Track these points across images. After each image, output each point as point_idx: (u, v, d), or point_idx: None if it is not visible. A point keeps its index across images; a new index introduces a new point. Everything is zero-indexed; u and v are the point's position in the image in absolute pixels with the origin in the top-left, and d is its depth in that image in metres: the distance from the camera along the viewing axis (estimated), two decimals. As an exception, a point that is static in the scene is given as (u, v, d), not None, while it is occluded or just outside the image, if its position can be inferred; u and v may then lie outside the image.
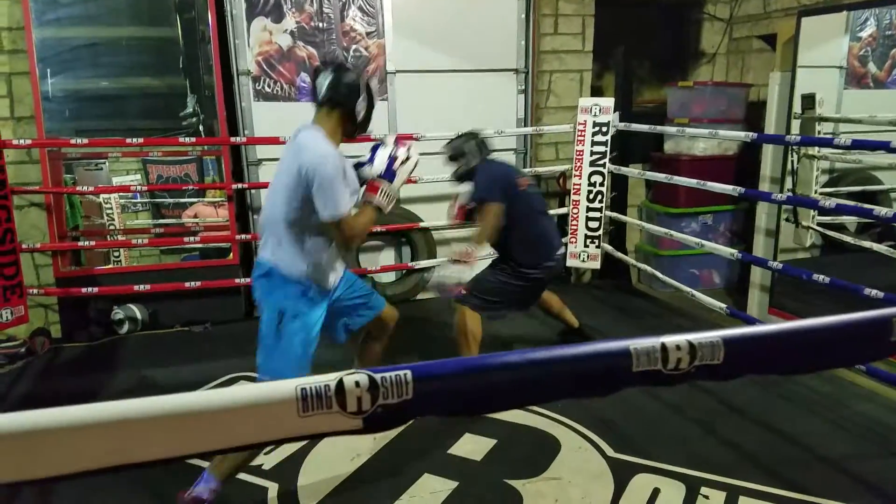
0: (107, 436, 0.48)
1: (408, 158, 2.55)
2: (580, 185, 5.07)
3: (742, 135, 4.11)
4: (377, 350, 2.94)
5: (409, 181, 2.77)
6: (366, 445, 2.94)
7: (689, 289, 4.30)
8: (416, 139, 4.53)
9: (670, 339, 0.62)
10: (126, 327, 4.40)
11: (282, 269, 2.43)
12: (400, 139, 2.64)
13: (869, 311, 0.69)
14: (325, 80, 2.45)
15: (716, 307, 4.00)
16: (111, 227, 4.90)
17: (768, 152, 5.03)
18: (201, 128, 4.77)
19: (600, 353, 0.60)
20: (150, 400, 0.51)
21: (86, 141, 4.22)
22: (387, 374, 0.54)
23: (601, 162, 5.00)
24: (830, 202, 3.53)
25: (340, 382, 0.53)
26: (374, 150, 2.58)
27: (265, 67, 4.72)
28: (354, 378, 0.54)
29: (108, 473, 0.52)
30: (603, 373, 0.61)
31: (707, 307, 4.14)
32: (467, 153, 3.52)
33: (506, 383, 0.57)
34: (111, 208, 4.88)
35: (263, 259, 2.49)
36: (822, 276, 3.43)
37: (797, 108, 4.67)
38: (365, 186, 2.54)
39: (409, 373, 0.54)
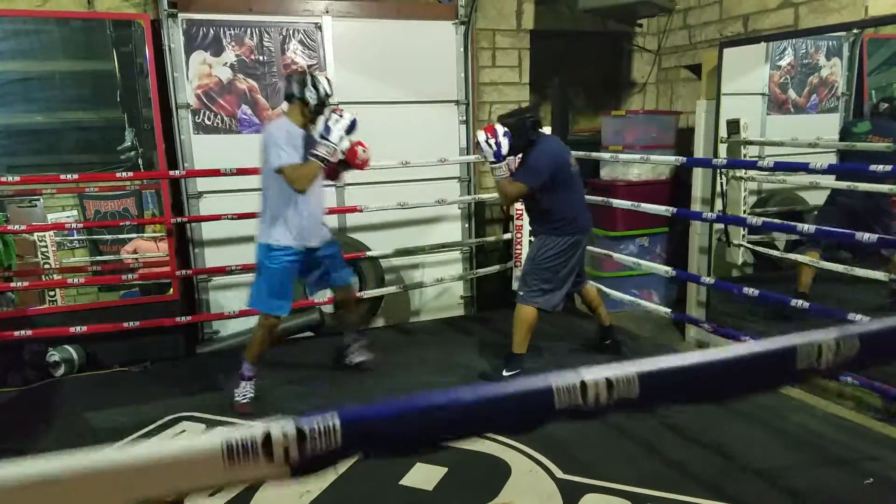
0: (23, 499, 0.49)
1: (341, 118, 3.42)
2: (522, 210, 5.16)
3: (672, 159, 4.27)
4: (350, 318, 4.13)
5: (359, 165, 3.80)
6: (315, 482, 2.90)
7: (631, 298, 4.43)
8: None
9: (589, 376, 0.65)
10: (62, 369, 4.25)
11: (261, 241, 3.58)
12: (337, 109, 3.48)
13: (775, 339, 0.74)
14: (286, 84, 3.56)
15: (661, 312, 4.14)
16: (46, 266, 4.74)
17: (698, 175, 5.22)
18: (140, 161, 4.69)
19: (526, 393, 0.63)
20: (68, 458, 0.51)
21: (17, 178, 4.10)
22: (314, 424, 0.56)
23: (541, 188, 5.10)
24: (757, 220, 3.69)
25: (268, 435, 0.55)
26: (327, 120, 3.44)
27: (205, 100, 4.68)
28: (282, 429, 0.55)
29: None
30: (528, 410, 0.64)
31: (648, 321, 4.27)
32: (522, 130, 3.81)
33: (434, 423, 0.59)
34: (46, 246, 4.73)
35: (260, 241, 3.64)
36: (752, 290, 3.57)
37: (724, 132, 4.88)
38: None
39: (336, 420, 0.56)
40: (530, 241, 4.12)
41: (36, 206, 4.71)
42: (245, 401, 3.66)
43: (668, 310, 4.11)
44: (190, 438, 0.53)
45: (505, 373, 3.99)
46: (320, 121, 3.47)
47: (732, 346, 0.72)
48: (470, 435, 0.63)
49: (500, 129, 3.67)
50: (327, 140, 3.39)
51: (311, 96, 3.46)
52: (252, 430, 0.55)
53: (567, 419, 0.65)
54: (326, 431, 0.56)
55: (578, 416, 0.65)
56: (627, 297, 4.47)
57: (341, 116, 3.42)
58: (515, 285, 5.27)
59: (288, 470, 0.55)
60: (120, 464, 0.50)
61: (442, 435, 0.60)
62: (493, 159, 3.66)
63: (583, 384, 0.64)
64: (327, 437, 0.55)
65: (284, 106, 3.60)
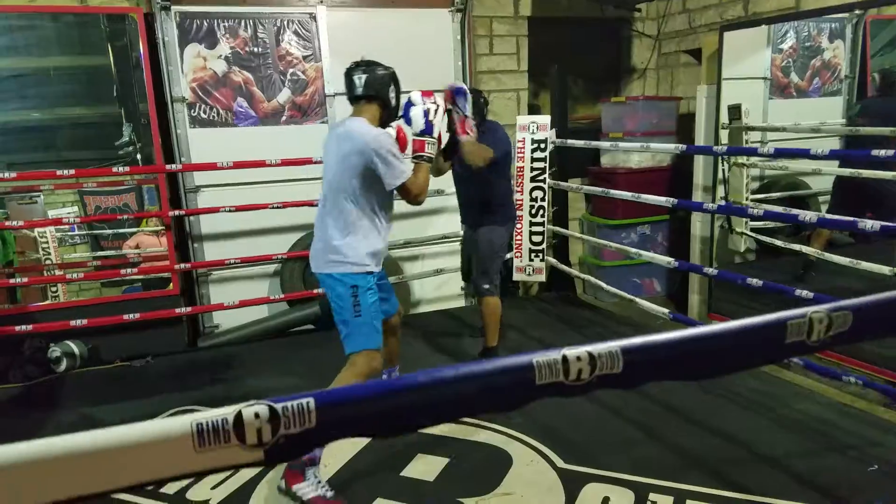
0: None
1: (438, 107, 2.82)
2: (522, 200, 5.14)
3: (672, 147, 4.24)
4: (394, 341, 3.29)
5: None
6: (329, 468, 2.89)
7: (631, 296, 4.38)
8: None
9: (571, 351, 0.64)
10: (64, 365, 4.24)
11: (334, 273, 2.79)
12: (424, 93, 2.83)
13: (763, 316, 0.72)
14: (361, 77, 2.79)
15: (659, 313, 4.09)
16: (48, 262, 4.74)
17: (699, 162, 5.20)
18: (139, 156, 4.68)
19: (505, 369, 0.62)
20: (36, 443, 0.50)
21: (13, 175, 4.09)
22: (288, 404, 0.54)
23: (541, 177, 5.09)
24: (759, 210, 3.66)
25: (239, 415, 0.53)
26: (407, 110, 2.82)
27: (200, 93, 4.67)
28: (254, 409, 0.54)
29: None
30: (508, 387, 0.63)
31: (651, 314, 4.22)
32: (479, 110, 3.67)
33: (412, 405, 0.58)
34: (47, 242, 4.73)
35: (322, 275, 2.86)
36: (755, 280, 3.54)
37: (725, 118, 4.85)
38: (412, 145, 2.82)
39: (311, 401, 0.55)
40: (471, 235, 3.99)
41: (36, 202, 4.71)
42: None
43: (666, 311, 4.06)
44: (160, 420, 0.52)
45: None
46: (417, 114, 2.79)
47: (717, 325, 0.71)
48: (450, 417, 0.61)
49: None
50: (432, 137, 2.80)
51: (393, 98, 2.84)
52: (223, 410, 0.53)
53: (549, 396, 0.63)
54: (300, 412, 0.54)
55: (561, 393, 0.63)
56: (627, 296, 4.43)
57: (438, 104, 2.83)
58: (516, 276, 5.28)
59: (262, 454, 0.54)
60: (86, 448, 0.49)
61: (421, 416, 0.59)
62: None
63: (564, 359, 0.63)
64: (301, 417, 0.54)
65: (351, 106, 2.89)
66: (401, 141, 2.89)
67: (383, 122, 2.84)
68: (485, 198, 3.80)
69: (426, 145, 2.79)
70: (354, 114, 2.83)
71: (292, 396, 0.55)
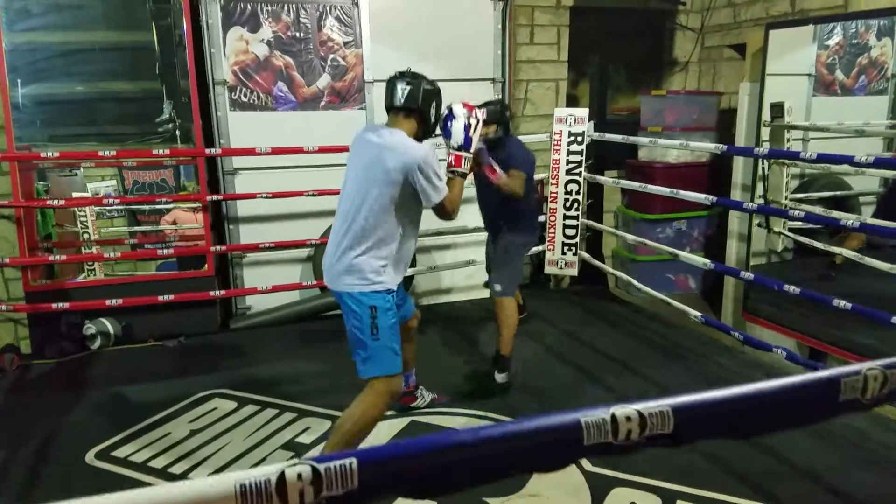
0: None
1: (479, 122, 2.78)
2: (556, 193, 5.09)
3: (712, 146, 4.15)
4: (410, 345, 3.21)
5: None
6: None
7: (663, 297, 4.32)
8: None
9: (621, 410, 0.62)
10: (98, 342, 4.33)
11: (354, 292, 2.61)
12: (466, 105, 2.79)
13: (817, 373, 0.69)
14: (405, 89, 2.66)
15: (691, 315, 4.03)
16: (85, 237, 4.83)
17: (739, 160, 5.10)
18: (178, 133, 4.72)
19: (551, 428, 0.60)
20: (84, 500, 0.50)
21: (57, 154, 4.17)
22: (331, 465, 0.54)
23: (577, 171, 5.03)
24: (799, 212, 3.57)
25: (282, 476, 0.53)
26: (447, 121, 2.77)
27: (241, 77, 4.68)
28: (297, 470, 0.53)
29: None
30: (555, 446, 0.61)
31: (683, 311, 4.16)
32: (503, 122, 3.65)
33: (457, 464, 0.57)
34: (85, 216, 4.81)
35: (340, 294, 2.67)
36: (792, 287, 3.45)
37: (767, 116, 4.73)
38: (449, 159, 2.77)
39: (354, 461, 0.54)
40: (491, 240, 3.87)
41: (76, 175, 4.79)
42: None
43: (698, 314, 3.99)
44: (202, 480, 0.51)
45: (499, 378, 3.64)
46: (457, 127, 2.74)
47: (771, 380, 0.68)
48: (496, 477, 0.60)
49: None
50: (469, 153, 2.76)
51: (433, 114, 2.73)
52: (266, 470, 0.53)
53: (595, 455, 0.62)
54: (343, 473, 0.53)
55: (609, 453, 0.62)
56: (659, 296, 4.36)
57: (479, 119, 2.79)
58: (547, 269, 5.24)
59: (304, 515, 0.53)
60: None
61: (466, 476, 0.57)
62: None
63: (613, 419, 0.61)
64: (344, 479, 0.53)
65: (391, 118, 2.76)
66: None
67: (419, 137, 2.71)
68: (505, 209, 3.68)
69: (463, 161, 2.74)
70: (391, 124, 2.71)
71: (334, 456, 0.54)
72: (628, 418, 0.61)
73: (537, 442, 0.60)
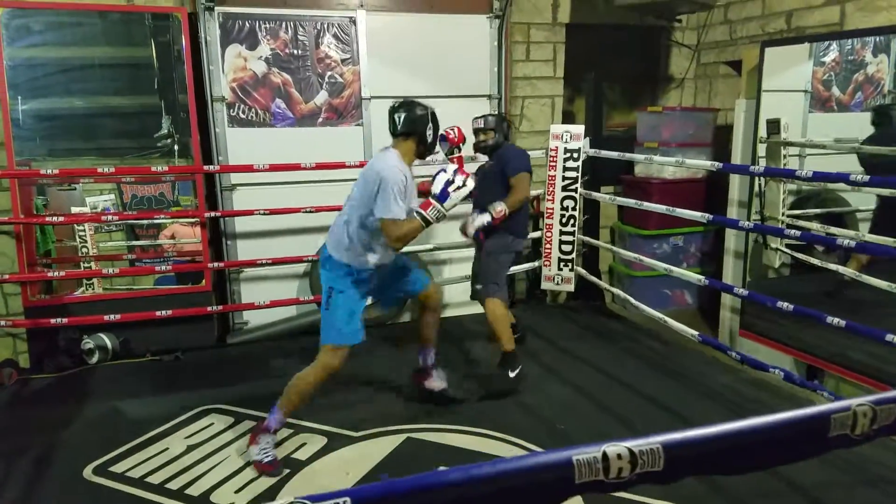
0: None
1: (463, 185, 2.98)
2: (553, 209, 5.11)
3: (708, 164, 4.17)
4: (429, 320, 3.54)
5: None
6: (355, 467, 2.92)
7: (660, 315, 4.32)
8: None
9: (612, 448, 0.63)
10: (96, 357, 4.34)
11: (333, 256, 3.04)
12: (461, 169, 3.06)
13: (806, 409, 0.71)
14: (400, 116, 3.07)
15: (687, 334, 4.04)
16: (84, 251, 4.84)
17: (736, 177, 5.12)
18: (176, 148, 4.74)
19: (543, 466, 0.62)
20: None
21: (56, 171, 4.19)
22: (326, 504, 0.55)
23: (573, 187, 5.06)
24: (795, 231, 3.58)
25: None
26: (437, 173, 3.04)
27: (240, 93, 4.71)
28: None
29: None
30: (547, 484, 0.62)
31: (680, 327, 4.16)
32: (501, 130, 3.93)
33: (450, 502, 0.58)
34: (84, 230, 4.83)
35: (324, 248, 3.11)
36: (786, 304, 3.46)
37: (763, 132, 4.76)
38: (422, 202, 3.02)
39: (347, 500, 0.55)
40: (480, 240, 3.96)
41: (75, 189, 4.80)
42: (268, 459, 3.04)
43: (695, 333, 4.00)
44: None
45: (511, 374, 3.74)
46: (440, 179, 2.98)
47: (759, 418, 0.69)
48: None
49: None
50: (441, 205, 2.94)
51: (430, 135, 3.10)
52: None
53: (587, 493, 0.63)
54: (340, 513, 0.55)
55: (601, 490, 0.63)
56: (656, 314, 4.37)
57: (464, 184, 2.96)
58: (544, 285, 5.25)
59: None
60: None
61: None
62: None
63: (605, 457, 0.63)
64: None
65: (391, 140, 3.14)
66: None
67: (420, 155, 3.15)
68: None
69: (430, 207, 2.95)
70: (392, 146, 3.11)
71: (328, 495, 0.55)
72: (619, 456, 0.62)
73: (529, 481, 0.61)
